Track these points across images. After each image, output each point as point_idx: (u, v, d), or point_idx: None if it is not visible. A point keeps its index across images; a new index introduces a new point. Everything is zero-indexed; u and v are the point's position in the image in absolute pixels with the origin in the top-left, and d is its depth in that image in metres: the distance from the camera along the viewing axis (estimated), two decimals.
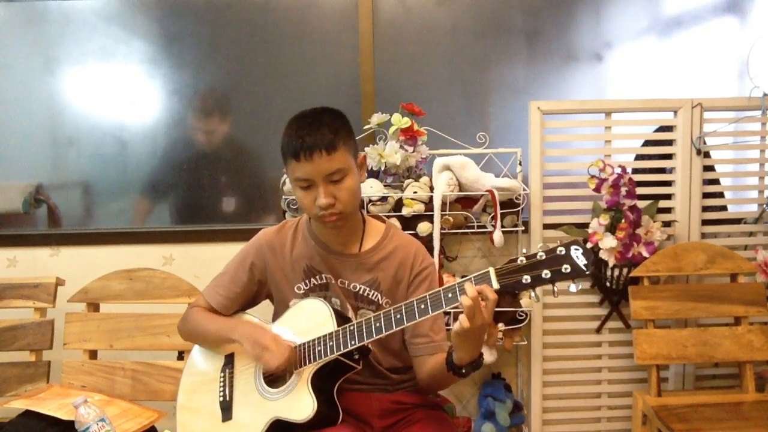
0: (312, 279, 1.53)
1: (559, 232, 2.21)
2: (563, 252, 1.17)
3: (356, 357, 1.42)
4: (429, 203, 2.08)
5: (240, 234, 2.00)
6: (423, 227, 2.07)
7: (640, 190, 2.13)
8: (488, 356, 2.08)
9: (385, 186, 2.11)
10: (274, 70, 2.37)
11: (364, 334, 1.34)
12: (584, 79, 2.44)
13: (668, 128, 2.23)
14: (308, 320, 1.44)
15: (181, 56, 2.37)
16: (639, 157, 2.28)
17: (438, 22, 2.37)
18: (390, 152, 2.05)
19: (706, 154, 2.22)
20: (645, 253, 2.05)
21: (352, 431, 1.42)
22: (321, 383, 1.39)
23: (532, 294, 1.20)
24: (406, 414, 1.52)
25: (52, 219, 2.40)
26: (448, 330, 1.41)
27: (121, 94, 2.37)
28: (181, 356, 1.97)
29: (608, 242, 2.04)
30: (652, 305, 2.04)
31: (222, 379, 1.52)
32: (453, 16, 2.37)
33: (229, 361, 1.53)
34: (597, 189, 2.05)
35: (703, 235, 2.23)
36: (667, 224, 2.18)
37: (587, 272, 1.15)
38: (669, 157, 2.23)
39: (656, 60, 2.42)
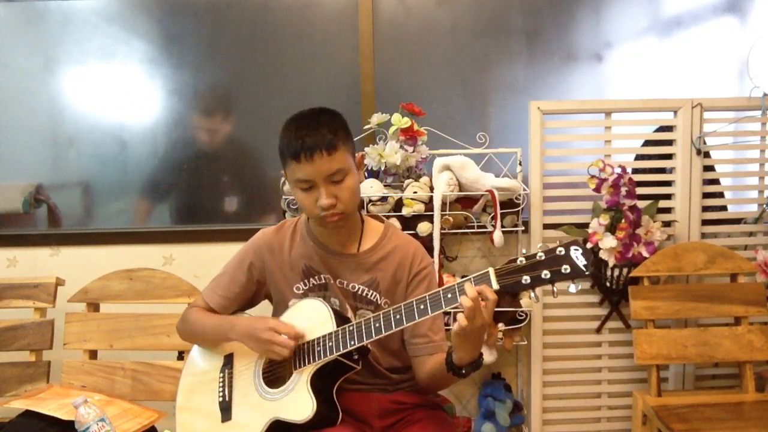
0: (311, 279, 1.53)
1: (559, 232, 2.21)
2: (563, 252, 1.17)
3: (356, 357, 1.41)
4: (429, 203, 2.08)
5: (240, 234, 2.00)
6: (423, 227, 2.07)
7: (640, 190, 2.13)
8: (488, 356, 2.08)
9: (385, 186, 2.11)
10: (274, 70, 2.37)
11: (364, 334, 1.34)
12: (584, 79, 2.44)
13: (668, 128, 2.23)
14: (307, 320, 1.44)
15: (181, 56, 2.37)
16: (639, 157, 2.28)
17: (438, 22, 2.37)
18: (390, 152, 2.05)
19: (706, 154, 2.22)
20: (645, 253, 2.05)
21: (351, 431, 1.42)
22: (320, 384, 1.39)
23: (532, 294, 1.20)
24: (406, 414, 1.52)
25: (52, 219, 2.40)
26: (447, 330, 1.41)
27: (121, 94, 2.37)
28: (181, 356, 1.97)
29: (608, 242, 2.04)
30: (652, 305, 2.04)
31: (221, 380, 1.52)
32: (453, 16, 2.37)
33: (229, 361, 1.53)
34: (597, 189, 2.05)
35: (703, 235, 2.23)
36: (667, 224, 2.18)
37: (587, 273, 1.15)
38: (669, 157, 2.23)
39: (656, 60, 2.42)
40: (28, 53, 2.36)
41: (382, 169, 2.10)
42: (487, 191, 2.08)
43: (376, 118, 2.11)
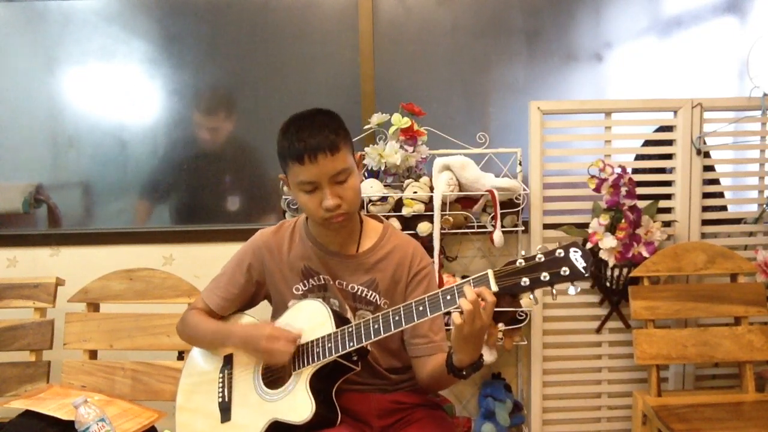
0: (310, 280, 1.53)
1: (559, 232, 2.21)
2: (562, 254, 1.17)
3: (355, 358, 1.41)
4: (429, 203, 2.08)
5: (240, 234, 1.99)
6: (423, 227, 2.07)
7: (640, 190, 2.13)
8: (488, 356, 2.08)
9: (385, 186, 2.11)
10: (274, 70, 2.37)
11: (363, 335, 1.34)
12: (584, 79, 2.44)
13: (668, 128, 2.23)
14: (306, 321, 1.44)
15: (181, 56, 2.37)
16: (639, 157, 2.28)
17: (438, 22, 2.37)
18: (390, 152, 2.05)
19: (706, 154, 2.22)
20: (645, 253, 2.05)
21: (351, 431, 1.42)
22: (319, 385, 1.39)
23: (531, 296, 1.20)
24: (405, 414, 1.52)
25: (52, 219, 2.40)
26: (447, 330, 1.41)
27: (121, 94, 2.37)
28: (181, 356, 1.97)
29: (608, 242, 2.04)
30: (652, 305, 2.04)
31: (221, 380, 1.52)
32: (453, 16, 2.37)
33: (228, 362, 1.53)
34: (597, 189, 2.05)
35: (703, 235, 2.23)
36: (667, 224, 2.18)
37: (586, 275, 1.15)
38: (669, 157, 2.23)
39: (656, 60, 2.42)
40: (28, 53, 2.36)
41: (382, 169, 2.10)
42: (487, 191, 2.08)
43: (376, 118, 2.11)
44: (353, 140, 1.46)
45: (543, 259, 1.17)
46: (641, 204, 2.11)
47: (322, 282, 1.52)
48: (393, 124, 2.08)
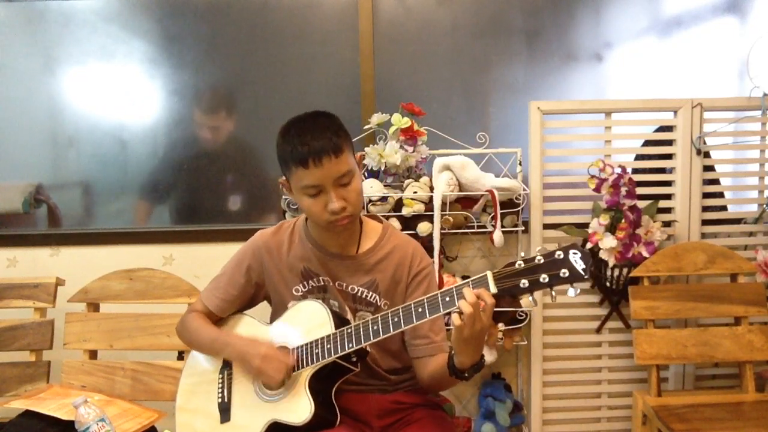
0: (309, 281, 1.52)
1: (559, 232, 2.21)
2: (561, 256, 1.16)
3: (354, 359, 1.41)
4: (429, 203, 2.08)
5: (240, 234, 1.99)
6: (423, 227, 2.07)
7: (640, 190, 2.13)
8: (488, 356, 2.08)
9: (385, 186, 2.11)
10: (274, 70, 2.37)
11: (362, 336, 1.34)
12: (584, 79, 2.44)
13: (668, 128, 2.23)
14: (306, 322, 1.44)
15: (181, 56, 2.37)
16: (639, 157, 2.28)
17: (438, 22, 2.37)
18: (390, 152, 2.05)
19: (706, 154, 2.22)
20: (645, 253, 2.05)
21: (350, 431, 1.42)
22: (318, 386, 1.39)
23: (530, 298, 1.20)
24: (405, 414, 1.52)
25: (52, 219, 2.40)
26: (448, 329, 1.41)
27: (121, 94, 2.37)
28: (181, 356, 1.97)
29: (608, 242, 2.04)
30: (652, 305, 2.04)
31: (220, 381, 1.51)
32: (453, 16, 2.37)
33: (228, 363, 1.53)
34: (597, 189, 2.05)
35: (703, 235, 2.23)
36: (667, 224, 2.18)
37: (585, 277, 1.14)
38: (669, 157, 2.23)
39: (656, 60, 2.42)
40: (28, 53, 2.36)
41: (382, 169, 2.10)
42: (487, 191, 2.08)
43: (376, 118, 2.11)
44: (353, 140, 1.46)
45: (542, 261, 1.17)
46: (641, 204, 2.11)
47: (322, 284, 1.52)
48: (393, 124, 2.08)
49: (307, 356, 1.39)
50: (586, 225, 2.12)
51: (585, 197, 2.20)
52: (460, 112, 2.41)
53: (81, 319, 2.00)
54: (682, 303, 2.06)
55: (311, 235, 1.52)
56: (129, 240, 2.32)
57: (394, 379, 1.55)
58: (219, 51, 2.37)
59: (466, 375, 1.30)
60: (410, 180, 2.11)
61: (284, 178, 1.44)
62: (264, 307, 1.63)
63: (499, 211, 2.07)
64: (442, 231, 2.09)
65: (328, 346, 1.37)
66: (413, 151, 2.08)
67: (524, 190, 2.15)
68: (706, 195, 2.23)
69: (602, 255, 2.07)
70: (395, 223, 2.07)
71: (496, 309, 1.23)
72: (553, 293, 1.18)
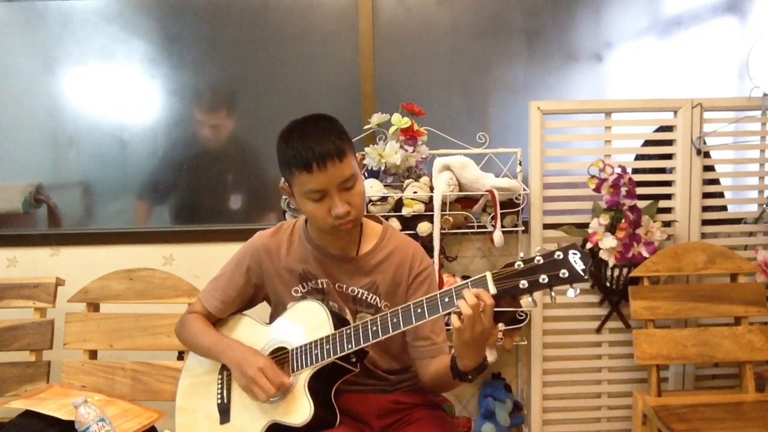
0: (308, 283, 1.52)
1: (559, 232, 2.21)
2: (561, 256, 1.16)
3: (353, 360, 1.41)
4: (429, 203, 2.08)
5: (240, 234, 1.99)
6: (423, 227, 2.07)
7: (640, 190, 2.13)
8: (488, 356, 2.08)
9: (385, 186, 2.11)
10: (274, 70, 2.37)
11: (361, 337, 1.33)
12: (584, 79, 2.44)
13: (668, 128, 2.23)
14: (305, 323, 1.43)
15: (181, 56, 2.37)
16: (639, 157, 2.28)
17: (438, 22, 2.37)
18: (390, 152, 2.05)
19: (706, 154, 2.22)
20: (645, 253, 2.05)
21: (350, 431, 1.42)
22: (318, 386, 1.39)
23: (530, 299, 1.20)
24: (405, 414, 1.52)
25: (52, 219, 2.40)
26: (448, 329, 1.41)
27: (121, 94, 2.37)
28: (181, 356, 1.97)
29: (608, 242, 2.04)
30: (652, 305, 2.04)
31: (220, 381, 1.51)
32: (453, 16, 2.37)
33: None
34: (597, 189, 2.05)
35: (703, 235, 2.23)
36: (667, 224, 2.18)
37: (585, 277, 1.14)
38: (669, 157, 2.23)
39: (656, 60, 2.42)
40: (28, 53, 2.36)
41: (382, 169, 2.10)
42: (487, 191, 2.08)
43: (376, 118, 2.11)
44: (353, 140, 1.46)
45: (542, 261, 1.17)
46: (641, 204, 2.11)
47: (321, 286, 1.51)
48: (393, 124, 2.08)
49: (307, 357, 1.39)
50: (586, 225, 2.12)
51: (585, 197, 2.20)
52: (460, 112, 2.41)
53: (81, 319, 2.00)
54: (682, 303, 2.06)
55: (311, 237, 1.52)
56: (129, 240, 2.32)
57: (393, 379, 1.54)
58: (219, 51, 2.37)
59: (470, 377, 1.30)
60: (410, 180, 2.11)
61: (285, 182, 1.44)
62: (263, 307, 1.63)
63: (499, 211, 2.07)
64: (442, 231, 2.09)
65: (327, 347, 1.37)
66: (413, 151, 2.08)
67: (524, 190, 2.15)
68: (706, 195, 2.23)
69: (602, 255, 2.07)
70: (395, 223, 2.07)
71: (495, 309, 1.23)
72: (553, 294, 1.18)
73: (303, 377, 1.38)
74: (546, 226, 2.22)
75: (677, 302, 2.05)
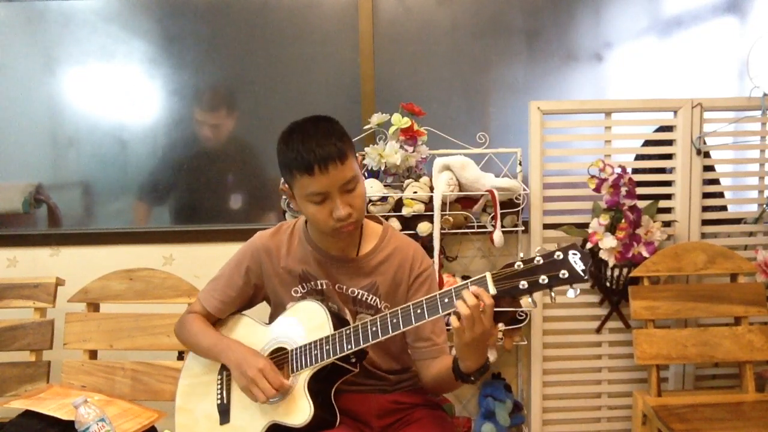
0: (308, 284, 1.52)
1: (559, 232, 2.21)
2: (560, 257, 1.16)
3: (353, 360, 1.41)
4: (429, 203, 2.08)
5: (240, 234, 1.99)
6: (423, 227, 2.07)
7: (640, 190, 2.13)
8: (489, 356, 2.08)
9: (385, 186, 2.11)
10: (274, 71, 2.37)
11: (361, 338, 1.33)
12: (584, 79, 2.44)
13: (668, 128, 2.23)
14: (305, 323, 1.43)
15: (181, 56, 2.37)
16: (639, 157, 2.28)
17: (438, 22, 2.37)
18: (390, 152, 2.05)
19: (706, 154, 2.22)
20: (645, 253, 2.05)
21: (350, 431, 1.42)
22: (317, 387, 1.39)
23: (530, 299, 1.20)
24: (405, 414, 1.52)
25: (52, 219, 2.40)
26: (448, 330, 1.41)
27: (121, 94, 2.37)
28: (181, 356, 1.97)
29: (608, 242, 2.04)
30: (652, 305, 2.04)
31: (219, 382, 1.51)
32: (453, 16, 2.37)
33: None
34: (597, 189, 2.05)
35: (703, 235, 2.23)
36: (667, 224, 2.18)
37: (585, 278, 1.14)
38: (669, 157, 2.23)
39: (656, 60, 2.42)
40: (28, 53, 2.36)
41: (382, 169, 2.10)
42: (487, 191, 2.08)
43: (376, 118, 2.11)
44: (353, 140, 1.46)
45: (541, 262, 1.16)
46: (641, 204, 2.11)
47: (320, 287, 1.51)
48: (393, 124, 2.08)
49: (306, 357, 1.39)
50: (586, 225, 2.12)
51: (585, 197, 2.20)
52: (460, 112, 2.41)
53: (81, 319, 2.00)
54: (682, 303, 2.06)
55: (311, 238, 1.51)
56: (129, 240, 2.32)
57: (393, 379, 1.54)
58: (219, 51, 2.37)
59: (473, 378, 1.30)
60: (410, 180, 2.11)
61: (285, 184, 1.43)
62: (263, 307, 1.63)
63: (499, 211, 2.07)
64: (442, 231, 2.09)
65: (327, 347, 1.36)
66: (413, 151, 2.08)
67: (524, 190, 2.15)
68: (706, 195, 2.23)
69: (602, 255, 2.07)
70: (395, 223, 2.07)
71: (495, 309, 1.23)
72: (553, 294, 1.18)
73: (303, 378, 1.38)
74: (546, 226, 2.22)
75: (677, 302, 2.05)
